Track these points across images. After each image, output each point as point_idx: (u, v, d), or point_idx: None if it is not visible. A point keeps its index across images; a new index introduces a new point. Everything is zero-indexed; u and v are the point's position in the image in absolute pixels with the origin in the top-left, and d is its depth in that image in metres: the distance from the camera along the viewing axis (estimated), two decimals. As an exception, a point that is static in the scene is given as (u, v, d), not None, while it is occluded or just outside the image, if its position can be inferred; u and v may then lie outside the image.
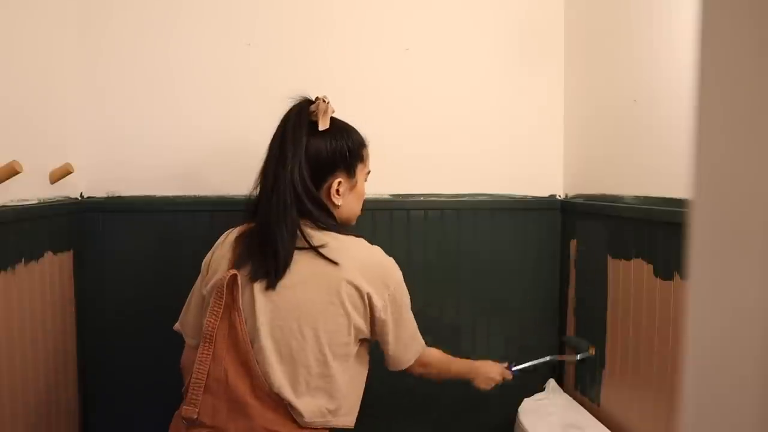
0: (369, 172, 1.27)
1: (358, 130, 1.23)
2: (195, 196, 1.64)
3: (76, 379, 1.56)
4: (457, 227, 1.72)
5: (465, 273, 1.73)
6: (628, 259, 1.39)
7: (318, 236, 1.12)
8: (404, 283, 1.19)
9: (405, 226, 1.71)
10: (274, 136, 1.17)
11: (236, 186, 1.62)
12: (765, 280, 0.31)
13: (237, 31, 1.63)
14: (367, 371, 1.22)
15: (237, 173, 1.63)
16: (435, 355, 1.32)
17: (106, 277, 1.61)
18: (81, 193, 1.61)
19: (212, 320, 1.10)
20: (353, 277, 1.09)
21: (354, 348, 1.14)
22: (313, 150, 1.14)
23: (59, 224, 1.47)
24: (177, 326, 1.26)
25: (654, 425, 1.30)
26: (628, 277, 1.39)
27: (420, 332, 1.26)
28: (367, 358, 1.21)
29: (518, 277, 1.75)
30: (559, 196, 1.77)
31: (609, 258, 1.49)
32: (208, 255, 1.22)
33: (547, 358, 1.53)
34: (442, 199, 1.72)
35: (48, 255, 1.41)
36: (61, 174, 1.43)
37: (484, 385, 1.40)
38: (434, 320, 1.72)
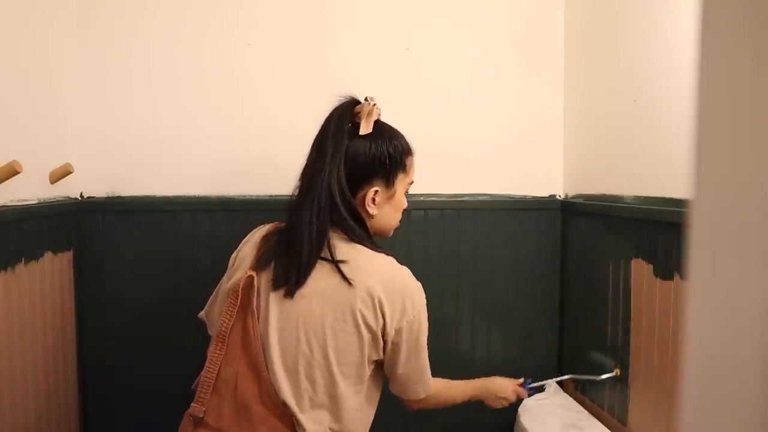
0: (412, 182, 1.19)
1: (404, 137, 1.17)
2: (195, 196, 1.63)
3: (76, 378, 1.56)
4: (457, 227, 1.72)
5: (465, 273, 1.73)
6: (628, 259, 1.39)
7: (344, 249, 1.06)
8: (426, 313, 1.11)
9: (405, 226, 1.70)
10: (316, 136, 1.12)
11: (236, 186, 1.62)
12: (765, 280, 0.31)
13: (237, 31, 1.63)
14: (378, 393, 1.17)
15: (237, 173, 1.63)
16: (436, 387, 1.24)
17: (106, 277, 1.61)
18: (81, 193, 1.61)
19: (226, 320, 1.07)
20: (371, 296, 1.03)
21: (368, 370, 1.08)
22: (351, 153, 1.08)
23: (59, 224, 1.47)
24: (202, 314, 1.22)
25: (652, 423, 1.30)
26: (628, 277, 1.39)
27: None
28: (381, 381, 1.16)
29: (518, 277, 1.75)
30: (559, 196, 1.77)
31: (609, 258, 1.49)
32: (236, 251, 1.19)
33: (567, 377, 1.46)
34: (442, 199, 1.72)
35: (48, 255, 1.41)
36: (61, 174, 1.43)
37: (495, 405, 1.34)
38: (434, 320, 1.71)
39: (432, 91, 1.71)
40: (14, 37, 1.28)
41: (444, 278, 1.72)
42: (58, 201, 1.47)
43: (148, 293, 1.62)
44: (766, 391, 0.31)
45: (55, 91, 1.48)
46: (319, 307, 1.03)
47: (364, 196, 1.10)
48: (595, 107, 1.59)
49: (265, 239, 1.13)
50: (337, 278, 1.04)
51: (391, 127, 1.16)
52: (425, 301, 1.11)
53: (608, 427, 1.44)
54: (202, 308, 1.23)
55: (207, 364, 1.08)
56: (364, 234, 1.10)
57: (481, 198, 1.73)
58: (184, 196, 1.63)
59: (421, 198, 1.71)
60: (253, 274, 1.07)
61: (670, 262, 1.24)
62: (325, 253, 1.05)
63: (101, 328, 1.61)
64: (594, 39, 1.60)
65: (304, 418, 1.03)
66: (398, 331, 1.06)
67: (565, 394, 1.67)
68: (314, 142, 1.12)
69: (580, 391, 1.65)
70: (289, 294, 1.04)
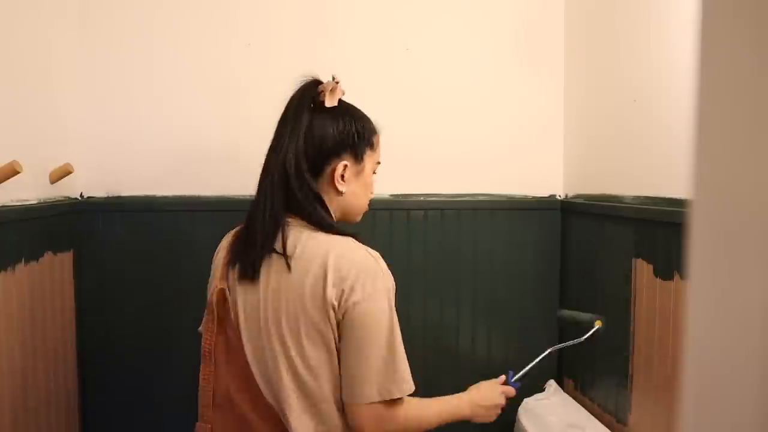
0: (379, 162, 1.14)
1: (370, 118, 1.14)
2: (195, 196, 1.64)
3: (77, 378, 1.56)
4: (457, 227, 1.72)
5: (465, 273, 1.73)
6: (628, 259, 1.39)
7: (298, 238, 1.00)
8: (386, 300, 0.99)
9: (405, 226, 1.71)
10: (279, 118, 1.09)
11: (236, 186, 1.62)
12: (765, 280, 0.31)
13: (237, 31, 1.63)
14: None
15: (237, 173, 1.63)
16: (412, 412, 1.03)
17: (106, 277, 1.61)
18: (81, 193, 1.61)
19: (208, 338, 1.04)
20: (323, 277, 0.96)
21: (335, 359, 1.00)
22: (316, 129, 1.03)
23: (59, 224, 1.47)
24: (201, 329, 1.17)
25: (652, 423, 1.30)
26: (628, 277, 1.39)
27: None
28: None
29: (518, 276, 1.75)
30: (559, 196, 1.77)
31: (609, 258, 1.49)
32: (214, 257, 1.16)
33: (548, 351, 1.26)
34: (442, 199, 1.72)
35: (48, 255, 1.41)
36: (61, 174, 1.43)
37: (488, 417, 1.16)
38: (434, 320, 1.72)
39: (432, 91, 1.71)
40: (15, 36, 1.28)
41: (444, 278, 1.72)
42: (58, 201, 1.47)
43: (147, 293, 1.62)
44: (766, 391, 0.31)
45: (55, 90, 1.48)
46: (279, 305, 0.98)
47: (333, 172, 1.04)
48: (595, 107, 1.59)
49: (233, 242, 1.08)
50: (291, 272, 0.98)
51: (355, 106, 1.12)
52: (388, 286, 1.00)
53: (608, 427, 1.44)
54: (201, 308, 1.22)
55: (201, 383, 1.05)
56: (325, 219, 1.03)
57: (481, 198, 1.73)
58: (184, 196, 1.63)
59: (421, 198, 1.71)
60: (224, 285, 1.04)
61: (670, 262, 1.24)
62: (279, 246, 0.99)
63: (101, 328, 1.61)
64: (594, 39, 1.60)
65: (293, 424, 0.98)
66: (346, 313, 0.96)
67: (565, 394, 1.67)
68: (277, 124, 1.07)
69: (580, 391, 1.65)
70: (254, 294, 1.00)
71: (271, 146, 1.06)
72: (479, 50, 1.72)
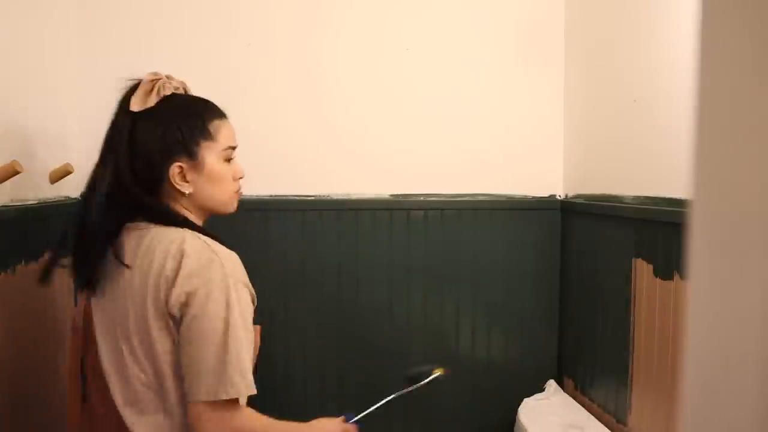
0: (232, 148, 1.06)
1: (209, 102, 1.08)
2: (195, 196, 1.63)
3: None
4: (457, 227, 1.72)
5: (465, 273, 1.73)
6: (628, 258, 1.39)
7: (137, 243, 0.98)
8: (231, 293, 0.93)
9: (405, 226, 1.71)
10: None
11: (236, 186, 1.62)
12: (765, 280, 0.31)
13: (237, 31, 1.63)
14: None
15: (237, 173, 1.62)
16: (257, 427, 0.97)
17: (106, 277, 1.61)
18: (81, 193, 1.60)
19: (72, 356, 1.05)
20: (160, 272, 0.93)
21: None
22: (139, 138, 0.99)
23: (59, 224, 1.47)
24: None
25: (652, 423, 1.30)
26: (628, 277, 1.39)
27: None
28: None
29: (518, 276, 1.75)
30: (559, 196, 1.77)
31: (609, 258, 1.49)
32: None
33: (391, 396, 1.22)
34: (442, 199, 1.72)
35: (48, 255, 1.40)
36: (61, 174, 1.43)
37: None
38: (434, 320, 1.72)
39: (432, 91, 1.71)
40: (15, 37, 1.28)
41: (444, 278, 1.72)
42: (58, 201, 1.47)
43: (148, 293, 1.62)
44: (765, 391, 0.31)
45: (55, 91, 1.48)
46: (122, 307, 0.96)
47: (171, 176, 0.99)
48: (595, 107, 1.59)
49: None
50: (124, 270, 0.96)
51: (188, 98, 1.07)
52: (230, 281, 0.94)
53: (608, 427, 1.44)
54: None
55: (68, 409, 1.05)
56: (178, 217, 1.00)
57: (481, 198, 1.73)
58: (184, 196, 1.63)
59: (421, 198, 1.71)
60: (84, 301, 1.02)
61: (670, 262, 1.24)
62: (114, 256, 0.96)
63: (101, 328, 1.61)
64: (594, 39, 1.60)
65: (140, 426, 0.95)
66: (181, 305, 0.92)
67: (565, 394, 1.67)
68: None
69: (580, 391, 1.65)
70: (99, 300, 0.99)
71: (98, 159, 1.02)
72: (479, 50, 1.72)
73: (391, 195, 1.70)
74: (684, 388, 0.36)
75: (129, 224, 0.99)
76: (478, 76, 1.72)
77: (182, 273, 0.92)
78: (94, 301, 1.01)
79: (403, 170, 1.70)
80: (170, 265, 0.93)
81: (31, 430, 1.33)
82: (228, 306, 0.92)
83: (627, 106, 1.42)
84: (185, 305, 0.92)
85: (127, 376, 0.96)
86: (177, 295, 0.92)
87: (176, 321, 0.94)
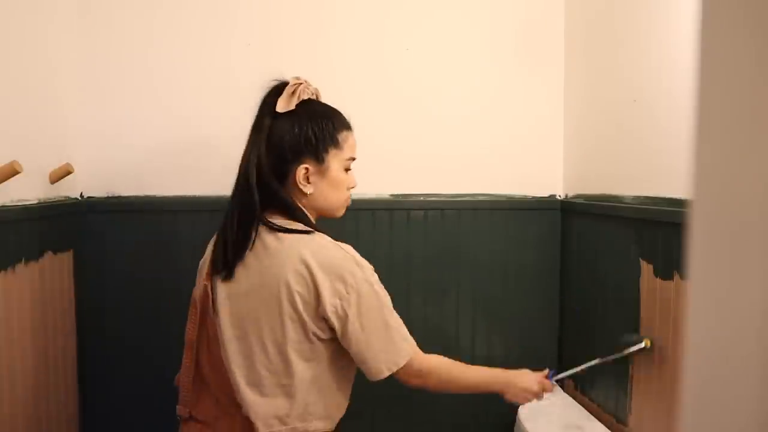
0: (352, 159, 1.16)
1: (340, 113, 1.16)
2: (195, 196, 1.64)
3: (76, 378, 1.56)
4: (457, 227, 1.72)
5: (465, 273, 1.73)
6: (628, 259, 1.39)
7: (268, 235, 1.07)
8: (373, 282, 1.08)
9: (405, 226, 1.71)
10: None
11: (236, 186, 1.62)
12: (765, 280, 0.31)
13: (237, 31, 1.63)
14: (346, 374, 1.14)
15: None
16: (434, 362, 1.14)
17: (106, 277, 1.61)
18: (81, 193, 1.61)
19: (191, 328, 1.12)
20: (299, 273, 1.03)
21: (318, 348, 1.07)
22: (275, 135, 1.09)
23: (59, 224, 1.47)
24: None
25: (652, 423, 1.30)
26: (628, 277, 1.39)
27: (415, 335, 1.13)
28: (344, 359, 1.11)
29: (518, 276, 1.75)
30: (559, 196, 1.77)
31: (609, 258, 1.49)
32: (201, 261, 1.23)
33: (596, 361, 1.28)
34: (442, 199, 1.72)
35: (48, 255, 1.41)
36: (61, 174, 1.43)
37: (518, 399, 1.20)
38: (434, 320, 1.72)
39: (432, 91, 1.71)
40: (15, 36, 1.28)
41: (444, 278, 1.72)
42: (58, 201, 1.47)
43: (147, 293, 1.62)
44: (766, 391, 0.31)
45: (55, 90, 1.48)
46: (252, 297, 1.06)
47: (296, 176, 1.09)
48: (595, 107, 1.59)
49: (215, 245, 1.15)
50: (263, 262, 1.06)
51: (323, 105, 1.15)
52: (368, 273, 1.08)
53: (608, 427, 1.44)
54: None
55: (182, 369, 1.14)
56: (300, 215, 1.10)
57: (481, 198, 1.73)
58: (184, 196, 1.63)
59: (421, 198, 1.71)
60: (208, 282, 1.11)
61: (670, 262, 1.24)
62: (250, 248, 1.07)
63: (101, 328, 1.61)
64: (594, 39, 1.60)
65: (256, 404, 1.05)
66: (336, 308, 1.04)
67: (565, 394, 1.67)
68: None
69: (580, 391, 1.65)
70: (231, 291, 1.08)
71: (243, 154, 1.12)
72: (479, 50, 1.72)
73: (391, 195, 1.70)
74: (684, 388, 0.36)
75: (267, 217, 1.07)
76: (478, 76, 1.72)
77: (335, 274, 1.04)
78: (222, 284, 1.09)
79: (403, 170, 1.70)
80: (321, 267, 1.03)
81: (31, 428, 1.33)
82: (376, 294, 1.07)
83: (627, 106, 1.42)
84: (345, 303, 1.04)
85: (253, 362, 1.06)
86: (330, 303, 1.03)
87: (330, 322, 1.05)
